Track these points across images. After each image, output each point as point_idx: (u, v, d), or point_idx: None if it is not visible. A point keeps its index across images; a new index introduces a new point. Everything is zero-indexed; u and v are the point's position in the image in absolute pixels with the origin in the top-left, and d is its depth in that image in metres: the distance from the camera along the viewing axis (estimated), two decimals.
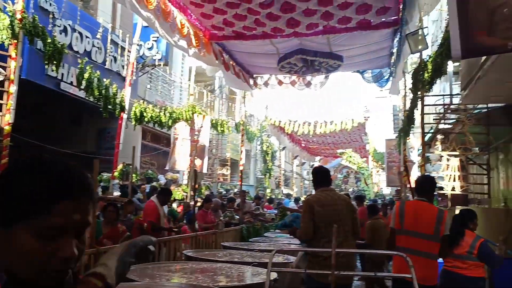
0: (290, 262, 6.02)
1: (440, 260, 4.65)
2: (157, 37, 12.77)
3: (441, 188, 7.64)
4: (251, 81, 14.39)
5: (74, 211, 0.92)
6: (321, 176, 4.80)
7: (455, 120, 8.13)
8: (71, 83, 9.62)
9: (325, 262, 4.30)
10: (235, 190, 19.96)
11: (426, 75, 6.09)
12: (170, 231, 7.70)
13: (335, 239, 3.38)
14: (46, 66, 7.74)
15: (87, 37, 10.10)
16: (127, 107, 8.71)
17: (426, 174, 6.75)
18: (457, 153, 7.64)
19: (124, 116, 8.76)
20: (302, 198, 24.22)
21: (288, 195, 21.16)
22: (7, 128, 6.17)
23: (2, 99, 6.87)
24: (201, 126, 12.10)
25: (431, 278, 4.24)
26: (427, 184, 4.37)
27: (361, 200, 12.20)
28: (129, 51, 10.39)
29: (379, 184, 24.18)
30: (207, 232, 8.15)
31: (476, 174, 8.78)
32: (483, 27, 2.25)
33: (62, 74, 9.51)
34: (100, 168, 11.51)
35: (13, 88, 6.49)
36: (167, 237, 6.91)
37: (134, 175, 9.07)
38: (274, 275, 4.09)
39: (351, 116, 19.38)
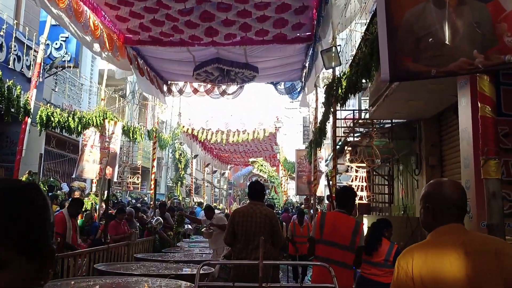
0: (210, 272, 5.99)
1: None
2: (67, 37, 12.01)
3: None
4: (165, 88, 14.14)
5: None
6: (252, 191, 5.38)
7: (362, 133, 8.69)
8: None
9: (239, 272, 4.90)
10: (145, 198, 19.35)
11: (340, 91, 6.43)
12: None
13: (262, 251, 3.41)
14: None
15: None
16: (32, 110, 8.03)
17: (346, 186, 7.11)
18: (364, 164, 8.17)
19: (28, 120, 8.07)
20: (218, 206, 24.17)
21: (200, 204, 20.98)
22: None
23: None
24: (113, 133, 11.57)
25: (346, 286, 4.44)
26: (347, 196, 4.58)
27: (272, 209, 12.54)
28: (35, 51, 9.61)
29: (288, 192, 24.99)
30: (119, 244, 7.79)
31: (380, 184, 9.46)
32: (410, 54, 2.45)
33: None
34: None
35: None
36: (77, 251, 6.48)
37: (41, 184, 8.36)
38: None
39: (263, 126, 19.84)
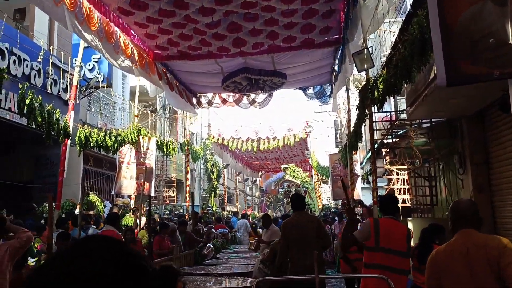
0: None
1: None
2: (98, 58, 12.28)
3: None
4: (195, 100, 14.25)
5: None
6: (295, 202, 5.97)
7: (401, 134, 8.49)
8: (9, 109, 8.95)
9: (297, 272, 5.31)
10: (181, 210, 19.49)
11: (376, 93, 6.30)
12: None
13: (317, 265, 3.36)
14: None
15: (25, 60, 9.46)
16: (70, 132, 8.22)
17: (390, 193, 7.02)
18: (405, 167, 7.97)
19: (68, 142, 8.25)
20: (250, 213, 24.15)
21: (235, 213, 20.99)
22: None
23: None
24: (147, 149, 11.74)
25: None
26: (392, 203, 4.57)
27: None
28: (71, 74, 9.86)
29: (321, 196, 24.73)
30: (162, 259, 7.84)
31: (421, 186, 9.19)
32: (468, 56, 2.35)
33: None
34: (40, 197, 10.81)
35: None
36: None
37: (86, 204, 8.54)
38: None
39: (293, 131, 19.73)
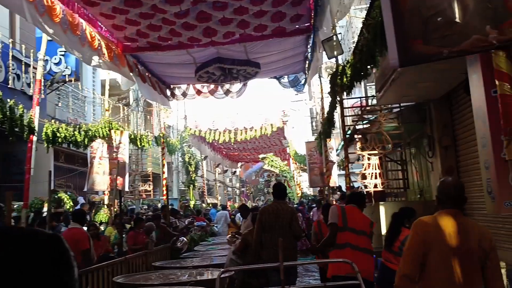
0: (229, 275, 5.91)
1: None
2: (65, 51, 11.97)
3: (365, 186, 8.01)
4: (169, 92, 14.06)
5: None
6: (275, 191, 6.22)
7: (371, 119, 8.54)
8: None
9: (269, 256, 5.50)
10: (158, 205, 19.33)
11: (345, 79, 6.30)
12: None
13: (281, 252, 3.36)
14: None
15: None
16: (36, 128, 7.98)
17: (359, 191, 7.25)
18: (376, 151, 8.03)
19: (34, 138, 8.02)
20: (230, 204, 24.14)
21: (215, 205, 20.93)
22: None
23: None
24: (120, 143, 11.54)
25: (370, 273, 4.69)
26: (360, 197, 5.26)
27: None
28: (34, 68, 9.57)
29: (301, 185, 24.88)
30: (136, 254, 7.73)
31: (393, 170, 9.30)
32: (419, 36, 2.33)
33: None
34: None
35: None
36: (96, 265, 6.41)
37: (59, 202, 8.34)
38: None
39: (270, 121, 19.74)
